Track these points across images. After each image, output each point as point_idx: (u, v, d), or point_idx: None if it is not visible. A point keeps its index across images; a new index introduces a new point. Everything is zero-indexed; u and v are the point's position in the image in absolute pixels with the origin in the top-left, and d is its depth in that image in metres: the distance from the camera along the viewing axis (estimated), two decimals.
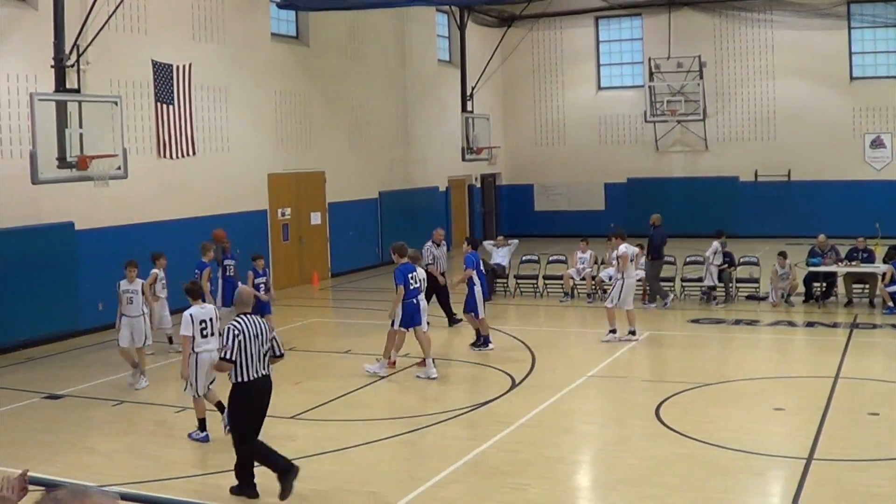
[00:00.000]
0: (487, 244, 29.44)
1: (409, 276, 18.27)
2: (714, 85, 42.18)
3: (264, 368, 11.73)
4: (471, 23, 40.23)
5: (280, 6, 30.27)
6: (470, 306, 20.26)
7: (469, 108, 38.37)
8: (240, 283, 18.26)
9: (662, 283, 25.69)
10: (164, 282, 20.47)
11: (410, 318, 18.31)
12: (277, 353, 12.05)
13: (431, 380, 17.82)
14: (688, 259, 26.77)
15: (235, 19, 28.55)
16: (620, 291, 21.03)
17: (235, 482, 11.78)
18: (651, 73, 42.80)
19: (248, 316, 11.77)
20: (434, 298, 22.57)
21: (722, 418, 14.76)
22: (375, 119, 35.91)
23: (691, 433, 13.68)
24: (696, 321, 23.10)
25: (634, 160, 43.89)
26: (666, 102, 42.07)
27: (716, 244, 25.16)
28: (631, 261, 21.67)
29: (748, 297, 25.50)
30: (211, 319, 14.12)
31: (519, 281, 27.86)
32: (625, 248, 21.33)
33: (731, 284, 25.44)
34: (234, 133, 28.45)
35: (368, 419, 15.69)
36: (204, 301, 15.06)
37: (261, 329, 11.69)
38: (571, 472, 13.03)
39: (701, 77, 41.83)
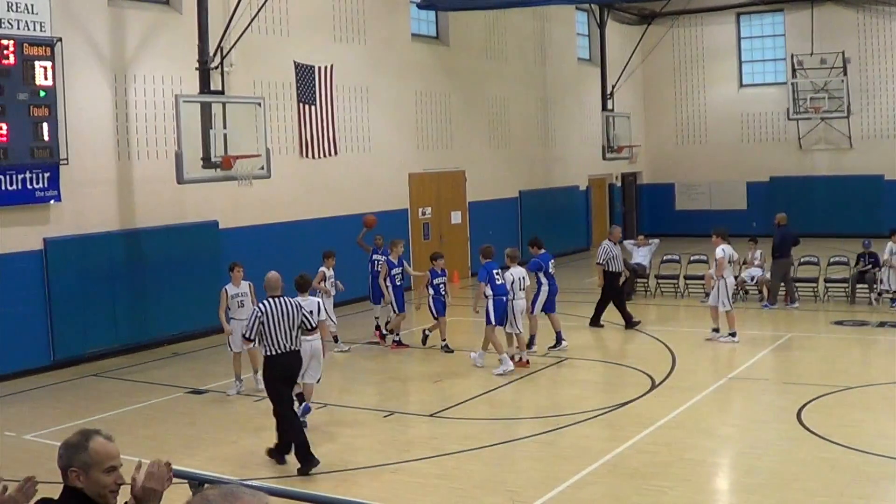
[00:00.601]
0: (628, 243, 29.39)
1: (495, 273, 19.00)
2: (858, 81, 41.29)
3: (292, 343, 13.38)
4: (611, 21, 40.12)
5: (420, 6, 30.57)
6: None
7: (609, 107, 38.31)
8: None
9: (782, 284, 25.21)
10: (332, 280, 20.65)
11: (501, 316, 18.92)
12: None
13: (505, 373, 18.30)
14: (832, 259, 26.31)
15: (376, 20, 28.95)
16: (718, 292, 21.03)
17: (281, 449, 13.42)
18: (794, 70, 42.09)
19: (274, 299, 13.47)
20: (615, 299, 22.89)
21: (865, 423, 14.57)
22: (515, 118, 36.05)
23: (833, 437, 13.53)
24: (839, 323, 22.75)
25: (777, 158, 43.18)
26: (809, 99, 41.31)
27: (891, 244, 24.43)
28: (730, 262, 21.42)
29: (893, 300, 24.98)
30: (312, 312, 14.68)
31: (660, 281, 27.75)
32: (721, 250, 21.12)
33: (875, 285, 24.96)
34: (375, 133, 28.85)
35: (508, 418, 15.86)
36: (313, 294, 16.55)
37: (286, 310, 13.39)
38: (711, 474, 13.01)
39: (845, 73, 40.98)
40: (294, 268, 25.13)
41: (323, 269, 20.61)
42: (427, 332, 21.37)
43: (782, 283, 25.08)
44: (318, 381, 15.40)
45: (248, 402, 17.01)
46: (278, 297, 13.53)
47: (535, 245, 21.10)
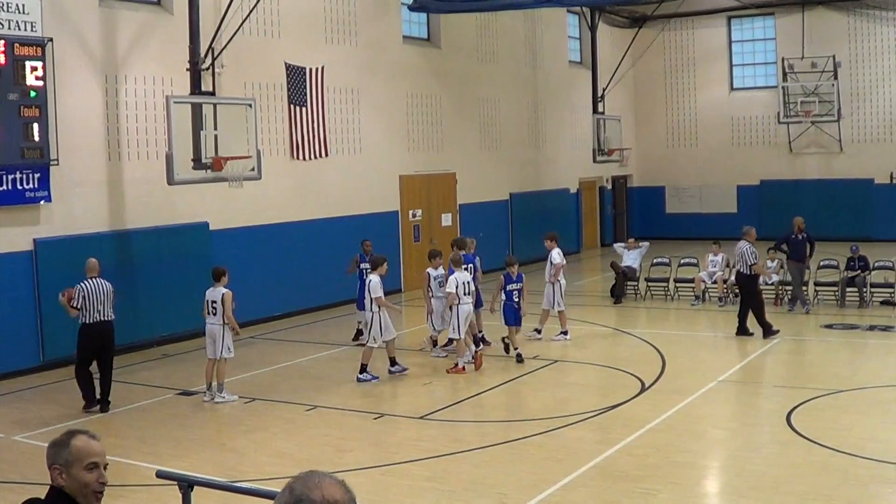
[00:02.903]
0: (618, 246, 29.51)
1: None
2: (849, 85, 41.39)
3: (103, 315, 16.93)
4: (602, 24, 40.13)
5: (412, 9, 30.56)
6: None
7: (600, 110, 38.35)
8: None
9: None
10: (439, 281, 20.19)
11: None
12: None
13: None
14: (821, 263, 26.37)
15: (367, 22, 28.96)
16: (553, 295, 22.20)
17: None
18: (784, 74, 42.19)
19: (92, 279, 16.86)
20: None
21: (855, 426, 14.60)
22: (506, 120, 36.08)
23: (823, 440, 13.56)
24: (829, 326, 22.80)
25: (767, 162, 43.28)
26: (800, 103, 41.39)
27: None
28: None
29: (883, 303, 25.05)
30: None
31: (650, 284, 27.78)
32: (558, 254, 22.41)
33: (864, 289, 25.04)
34: (365, 135, 28.85)
35: (497, 421, 15.87)
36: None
37: (102, 289, 16.93)
38: (700, 477, 13.02)
39: (836, 77, 41.08)
40: (284, 268, 25.31)
41: (429, 269, 20.56)
42: (505, 340, 20.65)
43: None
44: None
45: (237, 403, 16.99)
46: (95, 277, 16.88)
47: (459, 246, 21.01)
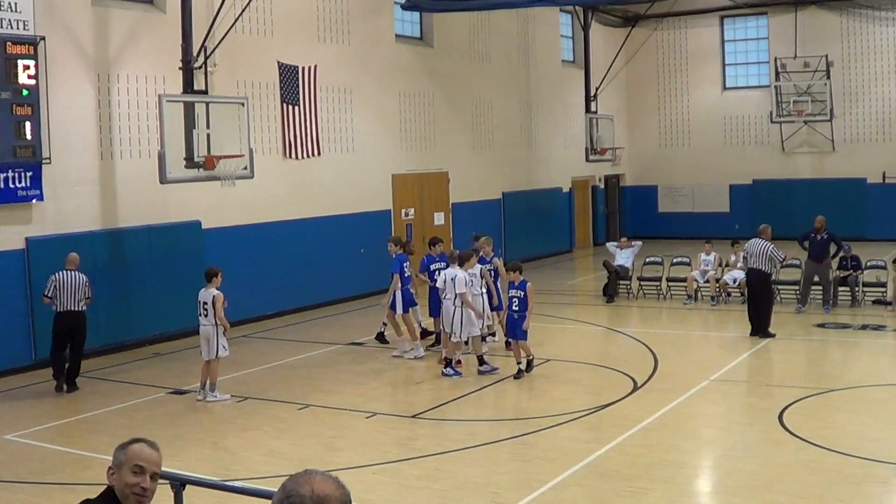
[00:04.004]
0: (610, 245, 29.53)
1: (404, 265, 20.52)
2: (841, 85, 41.41)
3: (75, 306, 18.22)
4: (595, 23, 40.11)
5: (404, 7, 30.55)
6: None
7: (593, 109, 38.32)
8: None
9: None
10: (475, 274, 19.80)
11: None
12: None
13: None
14: None
15: (360, 21, 28.94)
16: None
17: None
18: (777, 73, 42.21)
19: (68, 272, 18.10)
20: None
21: (846, 425, 14.62)
22: (499, 120, 36.09)
23: (815, 440, 13.58)
24: (821, 325, 22.83)
25: (760, 161, 43.30)
26: (792, 103, 41.38)
27: None
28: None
29: (875, 302, 25.08)
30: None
31: (642, 283, 27.78)
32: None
33: (856, 288, 25.08)
34: (358, 134, 28.84)
35: (490, 420, 15.88)
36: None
37: (74, 281, 18.17)
38: (692, 476, 13.03)
39: (828, 77, 41.11)
40: (277, 267, 25.31)
41: (427, 256, 21.14)
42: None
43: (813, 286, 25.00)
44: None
45: (230, 402, 16.98)
46: (72, 270, 18.12)
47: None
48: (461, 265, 18.63)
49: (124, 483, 5.12)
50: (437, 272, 20.26)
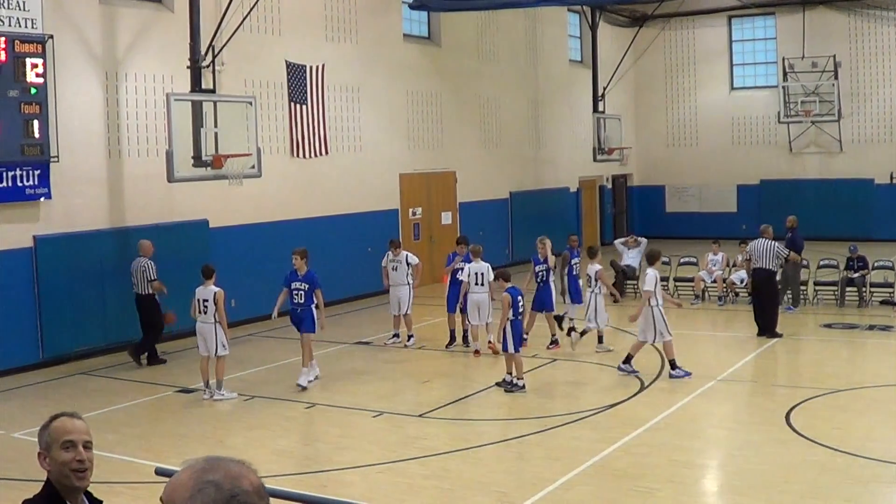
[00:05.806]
0: (618, 243, 29.52)
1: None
2: (849, 85, 41.35)
3: None
4: (602, 22, 40.12)
5: (412, 7, 30.56)
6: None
7: (600, 109, 38.34)
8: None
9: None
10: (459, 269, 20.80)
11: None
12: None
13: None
14: (821, 263, 26.36)
15: (368, 20, 28.96)
16: None
17: None
18: (785, 73, 42.17)
19: None
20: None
21: (853, 425, 14.63)
22: (506, 119, 36.09)
23: (821, 440, 13.57)
24: (828, 325, 22.81)
25: (768, 161, 43.25)
26: (800, 103, 41.37)
27: None
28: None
29: (882, 302, 25.05)
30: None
31: None
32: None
33: (864, 289, 25.05)
34: (366, 133, 28.86)
35: (497, 419, 15.88)
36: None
37: None
38: (699, 476, 13.04)
39: (836, 77, 41.04)
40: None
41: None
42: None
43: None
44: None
45: (236, 401, 17.01)
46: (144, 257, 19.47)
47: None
48: (651, 263, 18.36)
49: (59, 463, 4.79)
50: (459, 270, 20.61)
